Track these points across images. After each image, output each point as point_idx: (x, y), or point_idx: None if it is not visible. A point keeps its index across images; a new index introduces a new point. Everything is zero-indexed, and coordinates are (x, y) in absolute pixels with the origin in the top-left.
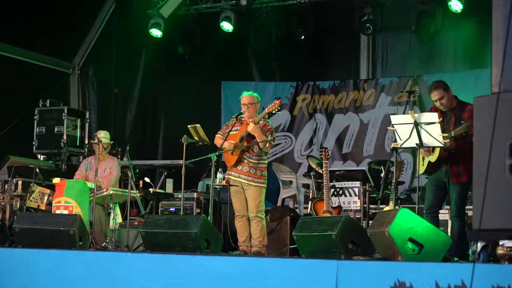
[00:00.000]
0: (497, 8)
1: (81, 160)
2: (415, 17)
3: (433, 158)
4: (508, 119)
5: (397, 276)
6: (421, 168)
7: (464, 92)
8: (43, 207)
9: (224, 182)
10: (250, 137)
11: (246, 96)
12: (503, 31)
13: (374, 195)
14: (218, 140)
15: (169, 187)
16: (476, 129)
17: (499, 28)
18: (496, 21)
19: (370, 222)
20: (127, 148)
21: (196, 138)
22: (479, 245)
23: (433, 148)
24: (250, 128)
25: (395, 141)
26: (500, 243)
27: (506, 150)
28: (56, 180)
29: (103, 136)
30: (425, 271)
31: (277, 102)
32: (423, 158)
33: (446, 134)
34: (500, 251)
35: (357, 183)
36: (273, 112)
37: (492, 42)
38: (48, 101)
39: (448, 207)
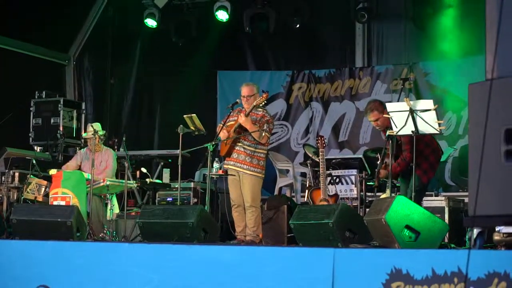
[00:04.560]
0: None
1: (77, 151)
2: (410, 4)
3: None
4: (502, 105)
5: (393, 263)
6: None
7: (459, 79)
8: (40, 199)
9: (220, 172)
10: (242, 128)
11: (245, 88)
12: (496, 19)
13: (371, 183)
14: (218, 129)
15: (166, 177)
16: (471, 116)
17: (493, 15)
18: (489, 8)
19: (367, 209)
20: (124, 138)
21: (192, 128)
22: (475, 231)
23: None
24: (242, 120)
25: (391, 128)
26: (497, 229)
27: (501, 136)
28: (53, 172)
29: (96, 128)
30: (422, 258)
31: (265, 95)
32: None
33: (442, 121)
34: (496, 237)
35: (354, 171)
36: (261, 104)
37: (486, 29)
38: (44, 92)
39: (445, 193)
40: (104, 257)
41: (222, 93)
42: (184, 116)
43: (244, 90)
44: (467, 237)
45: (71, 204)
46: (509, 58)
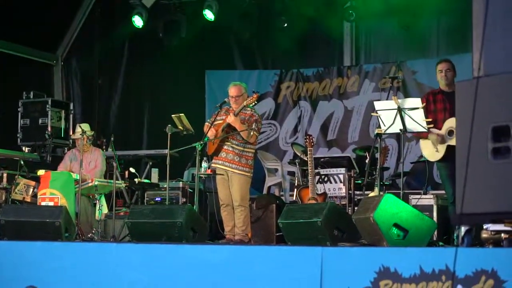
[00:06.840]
0: None
1: (66, 151)
2: (397, 2)
3: (453, 141)
4: (489, 103)
5: (381, 261)
6: (435, 155)
7: None
8: (28, 199)
9: (209, 171)
10: (230, 128)
11: (233, 88)
12: (483, 16)
13: (359, 181)
14: (205, 128)
15: (154, 177)
16: (458, 114)
17: (480, 13)
18: (476, 6)
19: (356, 208)
20: (112, 138)
21: (181, 127)
22: (463, 229)
23: (450, 131)
24: (230, 119)
25: (379, 127)
26: (484, 227)
27: (488, 134)
28: (41, 172)
29: (84, 129)
30: (410, 256)
31: (255, 96)
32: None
33: (430, 119)
34: (484, 234)
35: (342, 170)
36: (251, 105)
37: (473, 27)
38: (32, 93)
39: (433, 191)
40: (93, 257)
41: (210, 93)
42: (172, 115)
43: (233, 91)
44: (455, 235)
45: (59, 204)
46: (496, 56)
